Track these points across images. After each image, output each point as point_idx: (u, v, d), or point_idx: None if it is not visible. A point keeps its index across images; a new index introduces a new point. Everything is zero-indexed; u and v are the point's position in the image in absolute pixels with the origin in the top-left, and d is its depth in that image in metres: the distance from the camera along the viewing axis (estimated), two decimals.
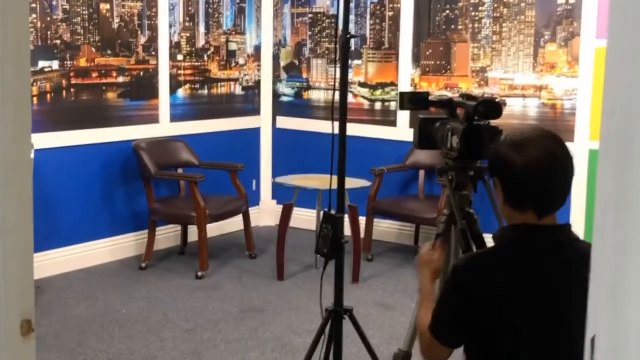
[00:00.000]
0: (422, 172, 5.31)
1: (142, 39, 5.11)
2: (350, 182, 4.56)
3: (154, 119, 5.21)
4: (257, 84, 6.01)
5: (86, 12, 4.74)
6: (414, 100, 2.43)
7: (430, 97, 2.44)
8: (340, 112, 2.68)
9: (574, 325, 1.66)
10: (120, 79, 4.99)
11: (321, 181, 4.78)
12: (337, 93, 2.67)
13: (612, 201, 0.74)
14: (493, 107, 2.21)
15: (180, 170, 5.18)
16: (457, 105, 2.37)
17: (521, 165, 1.69)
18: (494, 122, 2.25)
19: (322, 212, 2.70)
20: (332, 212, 2.64)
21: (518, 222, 1.74)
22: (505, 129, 2.31)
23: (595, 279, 0.79)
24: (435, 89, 5.31)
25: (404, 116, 5.43)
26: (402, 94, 2.45)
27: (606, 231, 0.75)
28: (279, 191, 5.88)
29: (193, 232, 5.07)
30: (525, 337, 1.68)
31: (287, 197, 4.90)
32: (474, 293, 1.71)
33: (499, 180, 1.77)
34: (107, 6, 4.88)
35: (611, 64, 0.74)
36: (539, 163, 1.68)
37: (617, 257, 0.74)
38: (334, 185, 2.68)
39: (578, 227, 4.78)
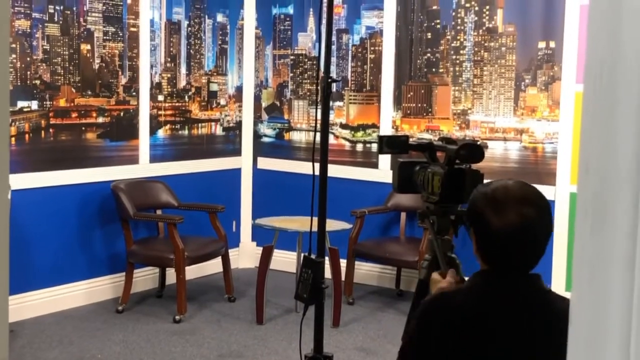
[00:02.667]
0: (403, 215, 5.32)
1: (123, 80, 5.13)
2: (331, 225, 4.56)
3: (133, 160, 5.20)
4: (239, 124, 6.03)
5: (67, 52, 4.76)
6: (393, 144, 2.44)
7: (410, 141, 2.45)
8: (322, 153, 2.69)
9: None
10: (100, 120, 4.99)
11: (302, 223, 4.77)
12: (318, 134, 2.68)
13: (588, 259, 0.75)
14: (475, 150, 2.23)
15: (159, 212, 5.16)
16: (437, 149, 2.38)
17: (497, 229, 1.71)
18: (475, 166, 2.27)
19: (302, 256, 2.68)
20: (313, 256, 2.64)
21: (486, 269, 1.78)
22: (486, 173, 2.34)
23: (574, 332, 0.80)
24: (417, 131, 5.36)
25: (385, 158, 5.46)
26: (381, 138, 2.46)
27: (583, 287, 0.76)
28: (259, 233, 5.86)
29: (171, 275, 5.02)
30: None
31: (267, 239, 4.88)
32: (434, 334, 1.74)
33: (474, 231, 1.79)
34: (88, 47, 4.90)
35: (586, 119, 0.76)
36: (515, 231, 1.70)
37: (594, 313, 0.75)
38: (315, 228, 2.68)
39: (560, 272, 4.80)
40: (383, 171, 5.49)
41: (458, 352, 1.72)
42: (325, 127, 2.70)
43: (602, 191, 0.73)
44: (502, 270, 1.76)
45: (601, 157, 0.74)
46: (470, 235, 1.84)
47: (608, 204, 0.72)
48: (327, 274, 3.03)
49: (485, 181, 2.22)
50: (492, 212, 1.72)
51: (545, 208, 1.76)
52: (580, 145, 0.77)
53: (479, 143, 2.50)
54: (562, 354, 1.74)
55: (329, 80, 2.62)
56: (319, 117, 2.67)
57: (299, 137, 5.97)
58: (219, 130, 5.89)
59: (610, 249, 0.72)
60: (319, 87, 2.67)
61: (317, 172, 2.68)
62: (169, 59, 5.48)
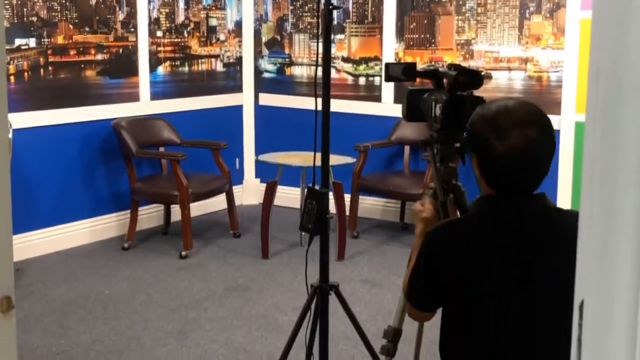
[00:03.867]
0: (407, 148, 5.31)
1: (121, 16, 5.05)
2: (335, 159, 4.55)
3: (134, 97, 5.17)
4: (239, 60, 5.97)
5: None
6: (399, 71, 2.41)
7: (417, 68, 2.43)
8: (324, 88, 2.66)
9: (541, 296, 1.70)
10: (99, 57, 4.94)
11: (305, 158, 4.77)
12: (319, 69, 2.64)
13: (598, 163, 0.73)
14: (473, 77, 2.21)
15: (161, 149, 5.16)
16: (442, 76, 2.36)
17: (500, 154, 1.70)
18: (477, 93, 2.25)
19: (306, 189, 2.69)
20: (317, 187, 2.64)
21: (490, 194, 1.79)
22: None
23: (583, 243, 0.79)
24: (420, 63, 5.29)
25: (388, 91, 5.42)
26: (387, 65, 2.43)
27: (593, 193, 0.74)
28: (262, 169, 5.86)
29: (176, 212, 5.05)
30: (492, 308, 1.72)
31: (270, 175, 4.89)
32: (442, 262, 1.75)
33: (476, 156, 1.79)
34: None
35: (597, 26, 0.74)
36: (518, 154, 1.69)
37: (604, 219, 0.74)
38: (318, 162, 2.67)
39: (564, 200, 4.81)
40: (386, 105, 5.46)
41: (467, 278, 1.72)
42: (327, 61, 2.67)
43: (611, 97, 0.71)
44: (506, 193, 1.75)
45: (613, 62, 0.71)
46: (471, 159, 1.83)
47: (620, 112, 0.70)
48: (332, 208, 3.04)
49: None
50: (494, 136, 1.71)
51: (547, 126, 1.74)
52: (591, 51, 0.75)
53: (478, 70, 2.46)
54: (574, 268, 1.74)
55: (330, 6, 2.57)
56: (320, 50, 2.63)
57: (301, 72, 5.91)
58: (219, 67, 5.83)
59: (623, 160, 0.70)
60: (319, 20, 2.62)
61: (319, 107, 2.65)
62: None
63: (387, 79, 2.43)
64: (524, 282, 1.71)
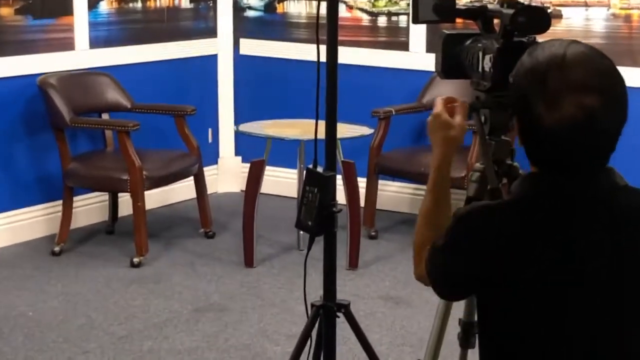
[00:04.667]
0: None
1: None
2: (345, 130, 4.56)
3: (67, 45, 5.16)
4: None
5: None
6: (435, 10, 2.41)
7: (457, 5, 2.43)
8: (329, 31, 2.65)
9: (604, 290, 1.75)
10: None
11: (304, 128, 4.77)
12: (323, 4, 2.63)
13: None
14: (537, 16, 2.21)
15: (105, 117, 5.15)
16: (492, 16, 2.36)
17: (548, 125, 1.73)
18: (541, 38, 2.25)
19: (305, 171, 2.69)
20: (319, 169, 2.64)
21: (536, 172, 1.83)
22: None
23: None
24: None
25: (419, 36, 5.40)
26: (417, 1, 2.43)
27: None
28: (244, 144, 5.87)
29: (126, 203, 5.06)
30: (535, 307, 1.76)
31: (256, 154, 4.89)
32: (474, 251, 1.80)
33: (517, 121, 1.82)
34: None
35: None
36: (572, 128, 1.72)
37: None
38: (321, 135, 2.67)
39: None
40: (416, 55, 5.45)
41: (506, 278, 1.77)
42: None
43: None
44: (555, 172, 1.79)
45: None
46: (514, 129, 1.87)
47: None
48: (340, 197, 3.05)
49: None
50: (542, 101, 1.73)
51: (616, 91, 1.76)
52: None
53: (549, 11, 2.47)
54: None
55: None
56: None
57: (297, 9, 5.90)
58: (184, 1, 5.82)
59: None
60: None
61: (323, 58, 2.63)
62: None
63: (416, 21, 2.44)
64: (575, 283, 1.75)
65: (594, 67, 1.76)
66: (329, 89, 2.69)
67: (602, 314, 1.76)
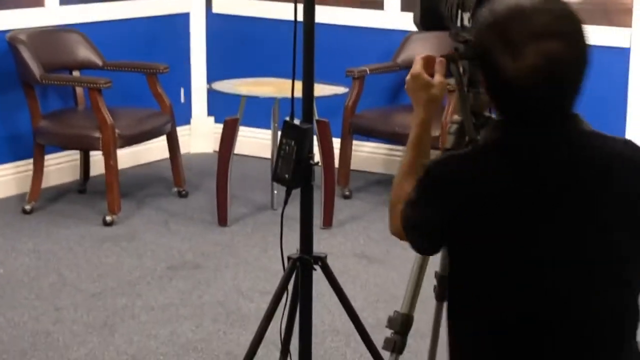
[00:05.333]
0: None
1: None
2: (320, 89, 4.52)
3: (37, 1, 5.12)
4: None
5: None
6: None
7: None
8: None
9: (575, 228, 1.78)
10: None
11: (278, 87, 4.76)
12: None
13: None
14: None
15: (76, 74, 5.12)
16: None
17: (511, 74, 1.74)
18: None
19: (282, 124, 2.69)
20: (296, 122, 2.63)
21: (503, 120, 1.85)
22: None
23: None
24: None
25: None
26: None
27: None
28: (217, 102, 5.84)
29: (98, 162, 5.03)
30: (509, 257, 1.79)
31: (229, 111, 4.88)
32: (444, 199, 1.82)
33: (483, 76, 1.83)
34: None
35: None
36: (534, 77, 1.74)
37: None
38: (298, 93, 2.67)
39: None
40: (391, 14, 5.44)
41: (478, 228, 1.79)
42: None
43: None
44: (522, 120, 1.80)
45: None
46: (477, 70, 1.89)
47: None
48: (315, 157, 3.05)
49: None
50: (504, 50, 1.74)
51: (575, 35, 1.77)
52: None
53: None
54: (625, 200, 1.75)
55: None
56: None
57: None
58: None
59: None
60: None
61: (300, 17, 2.62)
62: None
63: None
64: (546, 219, 1.78)
65: (553, 13, 1.77)
66: (305, 47, 2.68)
67: (573, 250, 1.77)
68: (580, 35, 1.78)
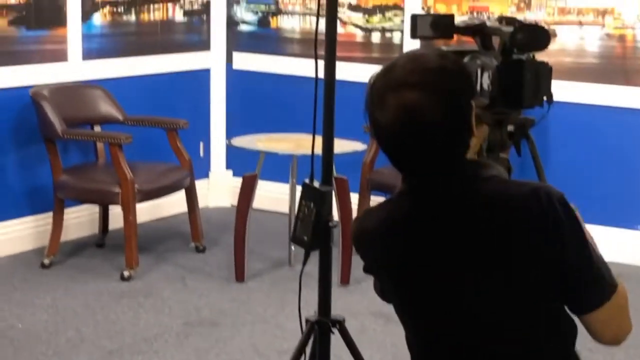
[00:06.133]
0: None
1: None
2: (338, 146, 4.50)
3: (60, 56, 5.17)
4: (206, 6, 5.98)
5: None
6: (432, 26, 2.43)
7: (456, 22, 2.45)
8: (328, 46, 2.66)
9: (469, 291, 1.88)
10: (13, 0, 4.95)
11: (296, 143, 4.78)
12: (322, 19, 2.65)
13: None
14: (537, 33, 2.25)
15: (97, 129, 5.15)
16: (491, 33, 2.38)
17: (378, 126, 1.87)
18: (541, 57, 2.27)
19: (300, 186, 2.70)
20: (316, 184, 2.64)
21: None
22: (555, 72, 2.34)
23: None
24: (457, 13, 5.30)
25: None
26: (414, 18, 2.45)
27: None
28: (236, 158, 5.87)
29: (117, 216, 5.05)
30: (420, 304, 1.97)
31: (248, 167, 4.89)
32: (368, 255, 2.03)
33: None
34: None
35: None
36: (394, 127, 1.84)
37: None
38: (318, 150, 2.68)
39: None
40: None
41: (393, 271, 1.98)
42: (332, 10, 2.68)
43: None
44: (407, 170, 1.92)
45: None
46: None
47: None
48: (334, 211, 3.06)
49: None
50: (373, 103, 1.88)
51: (439, 86, 1.83)
52: None
53: (543, 26, 2.49)
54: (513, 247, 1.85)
55: None
56: None
57: (292, 24, 5.91)
58: (178, 15, 5.83)
59: None
60: None
61: (320, 74, 2.65)
62: None
63: (414, 36, 2.45)
64: (448, 273, 1.90)
65: (418, 65, 1.87)
66: (326, 104, 2.70)
67: (462, 290, 1.89)
68: (445, 87, 1.84)
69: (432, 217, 1.91)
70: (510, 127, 2.34)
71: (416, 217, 1.92)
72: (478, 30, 2.39)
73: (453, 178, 1.90)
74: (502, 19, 2.38)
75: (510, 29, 2.25)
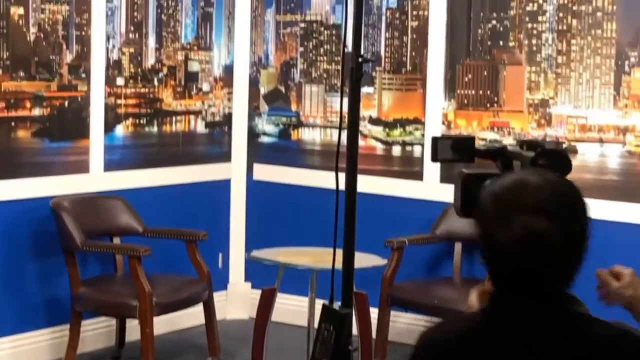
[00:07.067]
0: (458, 246, 5.30)
1: (69, 57, 5.15)
2: (359, 260, 4.50)
3: (81, 168, 5.22)
4: (227, 119, 6.04)
5: None
6: (453, 149, 2.44)
7: (476, 145, 2.46)
8: (349, 158, 2.69)
9: None
10: (37, 112, 5.01)
11: (317, 257, 4.76)
12: (343, 132, 2.69)
13: None
14: (557, 159, 2.25)
15: (117, 241, 5.17)
16: (512, 157, 2.39)
17: (498, 241, 1.82)
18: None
19: (321, 307, 2.68)
20: (336, 306, 2.63)
21: (494, 292, 1.91)
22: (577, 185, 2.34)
23: None
24: (478, 128, 5.34)
25: (433, 166, 5.45)
26: (435, 140, 2.47)
27: None
28: (255, 270, 5.85)
29: (134, 329, 5.03)
30: None
31: (267, 280, 4.88)
32: None
33: (480, 243, 1.90)
34: (21, 11, 4.93)
35: None
36: (519, 248, 1.80)
37: None
38: (338, 264, 2.67)
39: None
40: (430, 185, 5.48)
41: None
42: (354, 123, 2.70)
43: None
44: (511, 291, 1.85)
45: None
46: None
47: None
48: (353, 328, 3.04)
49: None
50: (496, 219, 1.83)
51: (567, 213, 1.81)
52: None
53: (564, 146, 2.51)
54: None
55: (359, 59, 2.62)
56: (344, 108, 2.68)
57: (312, 137, 5.97)
58: (200, 127, 5.90)
59: None
60: (343, 74, 2.68)
61: (341, 186, 2.66)
62: (132, 28, 5.51)
63: (435, 159, 2.47)
64: None
65: (548, 189, 1.84)
66: (347, 218, 2.70)
67: None
68: (572, 216, 1.82)
69: (524, 343, 1.84)
70: None
71: (503, 339, 1.85)
72: (499, 154, 2.40)
73: (553, 307, 1.85)
74: (522, 143, 2.40)
75: (531, 153, 2.26)
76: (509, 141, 5.13)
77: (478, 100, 5.40)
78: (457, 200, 2.49)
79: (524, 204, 1.81)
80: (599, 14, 5.05)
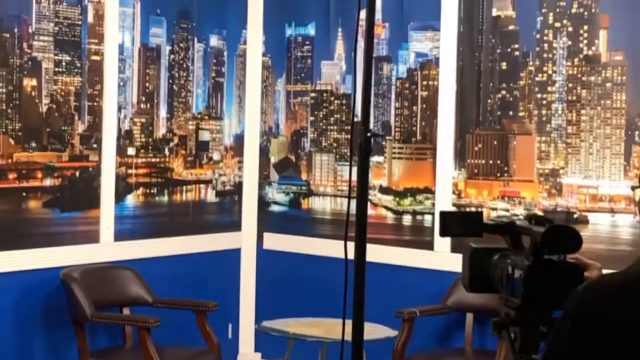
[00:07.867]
0: (469, 317, 5.27)
1: (81, 127, 5.20)
2: (368, 331, 4.51)
3: (92, 238, 5.24)
4: (238, 187, 6.07)
5: (4, 89, 4.84)
6: (461, 224, 2.45)
7: (484, 220, 2.46)
8: (358, 228, 2.68)
9: None
10: (48, 182, 5.04)
11: (327, 328, 4.75)
12: (352, 201, 2.70)
13: None
14: (565, 236, 2.23)
15: (126, 311, 5.16)
16: (521, 232, 2.39)
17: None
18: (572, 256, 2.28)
19: None
20: None
21: None
22: (588, 255, 2.34)
23: None
24: (488, 198, 5.35)
25: (445, 238, 5.44)
26: (444, 215, 2.46)
27: None
28: (265, 341, 5.82)
29: None
30: None
31: (277, 351, 4.87)
32: (600, 342, 1.74)
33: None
34: (34, 82, 4.99)
35: None
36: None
37: None
38: (348, 336, 2.66)
39: None
40: (441, 255, 5.46)
41: None
42: (363, 194, 2.72)
43: None
44: None
45: None
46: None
47: None
48: None
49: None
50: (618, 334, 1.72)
51: None
52: None
53: (576, 217, 2.51)
54: None
55: (369, 134, 2.64)
56: (353, 177, 2.69)
57: (322, 206, 5.98)
58: (210, 196, 5.92)
59: None
60: (352, 147, 2.70)
61: (350, 256, 2.67)
62: (144, 98, 5.56)
63: (443, 234, 2.46)
64: None
65: None
66: (356, 288, 2.69)
67: None
68: None
69: None
70: (542, 328, 2.32)
71: None
72: (507, 230, 2.40)
73: None
74: (532, 218, 2.39)
75: (540, 229, 2.26)
76: (519, 211, 5.14)
77: (488, 170, 5.42)
78: (464, 274, 2.49)
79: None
80: (608, 84, 5.09)
